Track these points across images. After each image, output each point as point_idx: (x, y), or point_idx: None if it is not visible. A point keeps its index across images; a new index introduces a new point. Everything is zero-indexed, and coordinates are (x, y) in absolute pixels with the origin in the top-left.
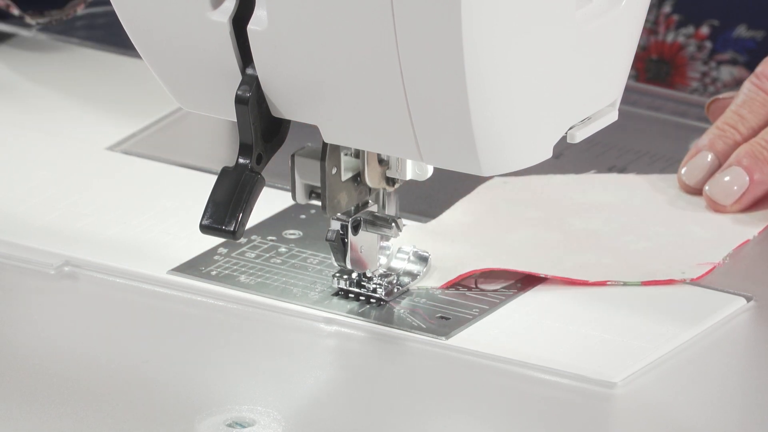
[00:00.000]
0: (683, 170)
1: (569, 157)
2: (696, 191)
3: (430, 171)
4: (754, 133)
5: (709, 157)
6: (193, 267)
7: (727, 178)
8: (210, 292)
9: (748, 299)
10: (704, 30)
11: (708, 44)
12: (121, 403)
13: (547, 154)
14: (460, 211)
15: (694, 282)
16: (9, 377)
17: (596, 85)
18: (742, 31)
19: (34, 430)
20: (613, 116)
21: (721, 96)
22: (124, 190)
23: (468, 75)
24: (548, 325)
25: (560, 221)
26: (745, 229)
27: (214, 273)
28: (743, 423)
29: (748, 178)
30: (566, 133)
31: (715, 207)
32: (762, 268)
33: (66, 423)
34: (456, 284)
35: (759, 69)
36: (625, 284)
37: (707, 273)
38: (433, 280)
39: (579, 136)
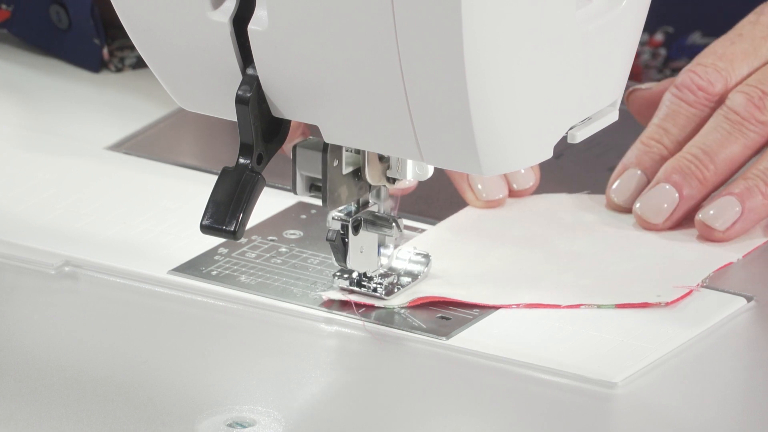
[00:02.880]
0: (612, 189)
1: (569, 157)
2: (626, 210)
3: (430, 171)
4: (680, 146)
5: (637, 174)
6: (194, 267)
7: (656, 196)
8: (210, 292)
9: (748, 299)
10: (658, 37)
11: (662, 51)
12: (121, 403)
13: (548, 154)
14: (445, 227)
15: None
16: (9, 377)
17: (596, 85)
18: (696, 38)
19: (34, 430)
20: (613, 116)
21: (642, 86)
22: (124, 190)
23: (468, 75)
24: (548, 325)
25: (544, 241)
26: (730, 251)
27: (214, 273)
28: (743, 423)
29: (677, 195)
30: (566, 133)
31: (646, 225)
32: (762, 268)
33: (66, 423)
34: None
35: (679, 80)
36: (599, 307)
37: (683, 297)
38: (402, 298)
39: (579, 136)
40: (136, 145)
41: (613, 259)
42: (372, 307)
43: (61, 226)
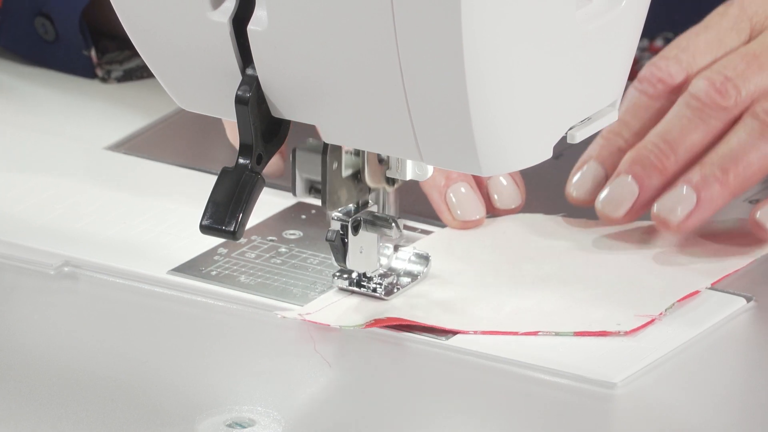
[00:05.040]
0: (571, 183)
1: (569, 157)
2: (586, 204)
3: (430, 171)
4: (639, 137)
5: (596, 167)
6: (193, 267)
7: (616, 189)
8: (210, 292)
9: (748, 299)
10: (659, 43)
11: None
12: (121, 403)
13: (547, 154)
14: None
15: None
16: (9, 377)
17: (596, 85)
18: None
19: (34, 430)
20: (613, 116)
21: None
22: (124, 190)
23: (468, 75)
24: None
25: (512, 265)
26: (699, 279)
27: (214, 273)
28: (743, 423)
29: (638, 188)
30: (566, 133)
31: (608, 220)
32: (762, 268)
33: (66, 423)
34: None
35: (641, 73)
36: (557, 334)
37: (643, 327)
38: (360, 318)
39: (579, 136)
40: (135, 145)
41: (578, 285)
42: (327, 327)
43: (60, 226)
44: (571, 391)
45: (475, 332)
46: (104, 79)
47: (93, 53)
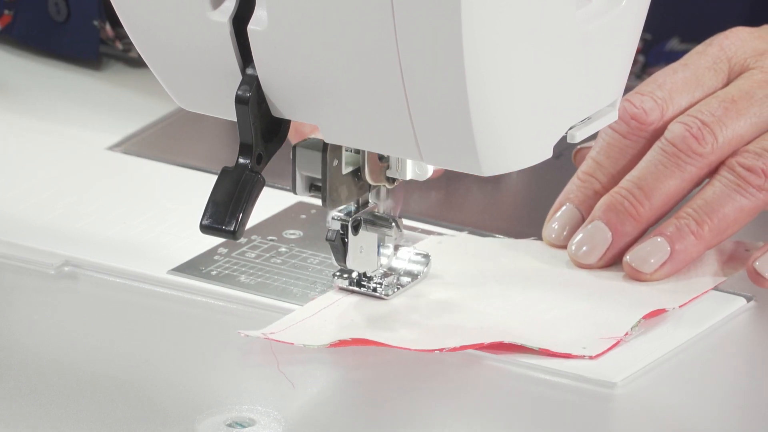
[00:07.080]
0: (547, 226)
1: (569, 157)
2: (561, 247)
3: (430, 171)
4: (613, 179)
5: (571, 211)
6: (193, 267)
7: (589, 234)
8: (210, 292)
9: (748, 299)
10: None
11: (641, 58)
12: (121, 403)
13: (547, 153)
14: None
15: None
16: (9, 377)
17: (596, 85)
18: (674, 44)
19: (34, 430)
20: (613, 116)
21: (586, 145)
22: (124, 190)
23: (468, 75)
24: None
25: (478, 287)
26: (666, 299)
27: (214, 273)
28: (743, 423)
29: (610, 234)
30: (566, 133)
31: (580, 265)
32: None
33: (66, 423)
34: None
35: None
36: (523, 345)
37: (609, 349)
38: (324, 337)
39: (579, 136)
40: (136, 145)
41: (543, 306)
42: (291, 345)
43: (61, 226)
44: (571, 391)
45: (441, 350)
46: (126, 50)
47: (108, 27)
